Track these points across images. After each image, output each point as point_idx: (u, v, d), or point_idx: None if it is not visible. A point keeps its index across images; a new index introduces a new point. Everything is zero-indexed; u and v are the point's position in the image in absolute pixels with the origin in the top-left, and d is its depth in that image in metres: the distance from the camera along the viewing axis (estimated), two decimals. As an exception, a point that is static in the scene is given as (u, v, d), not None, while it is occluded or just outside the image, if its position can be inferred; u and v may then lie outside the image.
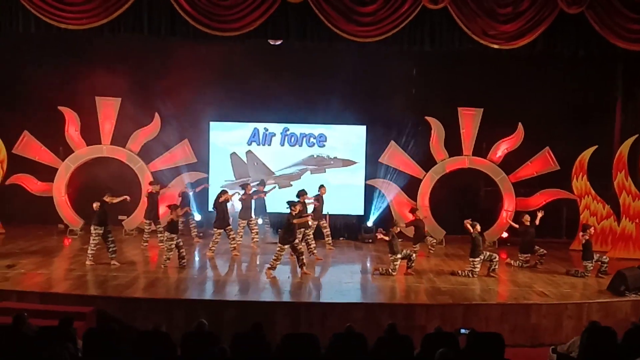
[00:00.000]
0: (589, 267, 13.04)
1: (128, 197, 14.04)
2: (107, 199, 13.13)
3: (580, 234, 13.39)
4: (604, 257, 13.29)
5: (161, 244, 14.86)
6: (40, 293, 10.91)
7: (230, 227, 14.39)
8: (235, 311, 10.50)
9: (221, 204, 14.31)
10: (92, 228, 13.05)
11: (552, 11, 12.53)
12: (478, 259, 12.77)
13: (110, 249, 13.05)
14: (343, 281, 12.45)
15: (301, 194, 14.21)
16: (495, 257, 12.96)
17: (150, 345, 7.80)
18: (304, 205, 14.15)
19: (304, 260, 12.83)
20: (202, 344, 7.76)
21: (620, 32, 12.58)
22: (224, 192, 14.57)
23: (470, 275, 12.72)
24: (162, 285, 11.74)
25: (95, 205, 13.03)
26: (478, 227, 13.07)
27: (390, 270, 12.75)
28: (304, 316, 10.59)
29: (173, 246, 12.83)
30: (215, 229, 14.27)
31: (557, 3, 12.45)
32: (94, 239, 12.99)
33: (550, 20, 12.57)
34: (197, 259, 14.23)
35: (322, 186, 15.44)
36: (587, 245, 13.12)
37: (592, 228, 13.70)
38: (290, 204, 12.85)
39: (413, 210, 15.09)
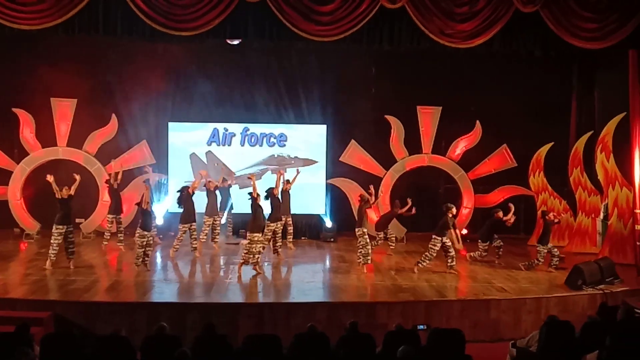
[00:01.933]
0: (542, 253, 13.25)
1: (78, 176, 13.47)
2: (64, 192, 12.79)
3: (541, 220, 13.51)
4: (556, 250, 13.47)
5: (121, 244, 14.67)
6: (-4, 299, 10.66)
7: (195, 224, 14.21)
8: (198, 314, 10.38)
9: (187, 198, 14.16)
10: (54, 227, 12.76)
11: (508, 10, 12.68)
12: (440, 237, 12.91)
13: (69, 250, 12.77)
14: (305, 280, 12.44)
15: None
16: (452, 252, 13.05)
17: (109, 350, 7.68)
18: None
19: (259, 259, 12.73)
20: (162, 347, 7.66)
21: (574, 31, 12.80)
22: (186, 187, 14.42)
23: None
24: (122, 288, 11.57)
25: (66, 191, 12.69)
26: (454, 210, 13.16)
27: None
28: (268, 317, 10.54)
29: (144, 243, 12.64)
30: (181, 225, 14.11)
31: (512, 2, 12.61)
32: (55, 239, 12.62)
33: (506, 19, 12.73)
34: (159, 260, 14.06)
35: (287, 181, 15.42)
36: (546, 229, 13.34)
37: (552, 214, 13.90)
38: (251, 194, 12.78)
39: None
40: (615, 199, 14.50)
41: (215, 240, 15.12)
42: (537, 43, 13.12)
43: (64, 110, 16.62)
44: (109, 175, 15.56)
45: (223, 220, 15.63)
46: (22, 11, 12.34)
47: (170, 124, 17.37)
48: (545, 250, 13.28)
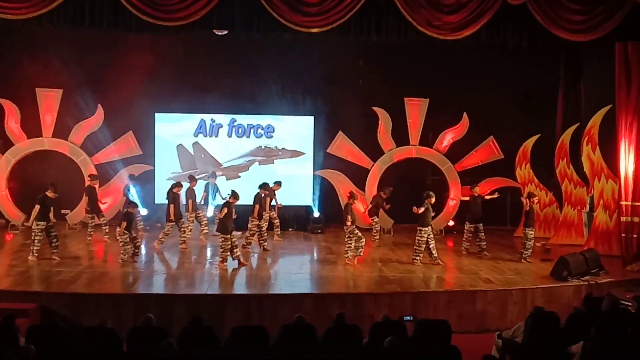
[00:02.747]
0: (529, 235, 13.34)
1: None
2: (49, 194, 12.79)
3: (524, 199, 13.61)
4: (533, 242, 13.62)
5: (106, 237, 14.62)
6: (-20, 291, 10.59)
7: (183, 220, 14.21)
8: (185, 305, 10.36)
9: (174, 195, 14.14)
10: (34, 224, 12.72)
11: (495, 2, 12.66)
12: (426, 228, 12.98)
13: (53, 244, 12.75)
14: (293, 272, 12.45)
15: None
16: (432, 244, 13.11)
17: (95, 342, 7.66)
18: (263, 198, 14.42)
19: (237, 252, 12.74)
20: (148, 339, 7.65)
21: (561, 23, 12.81)
22: (177, 184, 14.41)
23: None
24: (108, 280, 11.54)
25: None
26: (432, 199, 13.20)
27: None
28: (255, 308, 10.54)
29: (127, 240, 12.61)
30: (168, 222, 14.10)
31: (500, -6, 12.62)
32: (36, 235, 12.65)
33: (494, 11, 12.72)
34: (144, 252, 14.01)
35: (276, 183, 15.47)
36: (530, 213, 13.42)
37: (537, 197, 13.96)
38: (233, 192, 12.86)
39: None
40: (601, 191, 14.59)
41: (204, 231, 15.09)
42: (524, 35, 13.12)
43: (49, 101, 16.51)
44: (90, 177, 15.41)
45: (210, 214, 15.60)
46: (6, 0, 12.20)
47: (157, 115, 17.29)
48: (532, 233, 13.39)
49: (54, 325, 8.08)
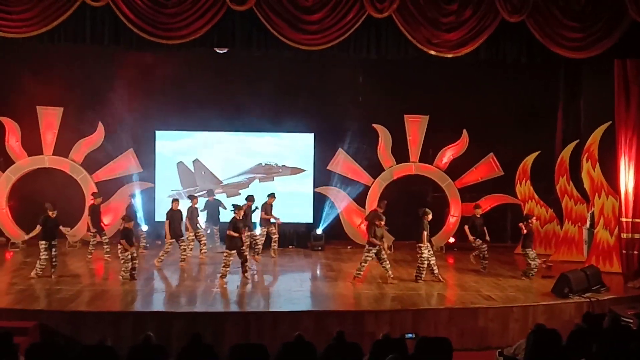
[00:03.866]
0: (531, 254, 13.38)
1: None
2: (50, 213, 12.80)
3: (521, 225, 13.62)
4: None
5: (107, 255, 14.58)
6: (-20, 308, 10.57)
7: (183, 237, 14.22)
8: (184, 323, 10.33)
9: (173, 213, 14.14)
10: (39, 243, 12.73)
11: (494, 20, 12.73)
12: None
13: (54, 263, 12.76)
14: (293, 289, 12.42)
15: (248, 199, 14.60)
16: (432, 261, 13.08)
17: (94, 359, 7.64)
18: (249, 210, 14.36)
19: (247, 267, 12.82)
20: (148, 357, 7.62)
21: (559, 40, 12.86)
22: (174, 200, 14.45)
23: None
24: (108, 298, 11.51)
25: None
26: (429, 217, 13.16)
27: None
28: (254, 326, 10.50)
29: (129, 257, 12.59)
30: (167, 239, 14.08)
31: (498, 12, 12.66)
32: (43, 253, 12.66)
33: (492, 28, 12.78)
34: (144, 270, 13.97)
35: (270, 195, 15.42)
36: (527, 235, 13.47)
37: (534, 217, 13.98)
38: (236, 207, 12.93)
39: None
40: (601, 208, 14.57)
41: (203, 250, 15.08)
42: (522, 52, 13.16)
43: (50, 119, 16.57)
44: (94, 195, 15.45)
45: (209, 230, 15.62)
46: (7, 19, 12.24)
47: (158, 132, 17.33)
48: (532, 253, 13.43)
49: (54, 344, 8.06)
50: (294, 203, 17.02)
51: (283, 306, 11.28)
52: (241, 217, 12.82)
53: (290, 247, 16.87)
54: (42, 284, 12.21)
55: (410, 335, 8.85)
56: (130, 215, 14.02)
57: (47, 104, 16.51)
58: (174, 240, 14.06)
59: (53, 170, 16.66)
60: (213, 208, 15.87)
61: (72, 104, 16.56)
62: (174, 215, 14.18)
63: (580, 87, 16.71)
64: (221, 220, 15.93)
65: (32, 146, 16.59)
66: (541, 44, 12.88)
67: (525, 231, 13.43)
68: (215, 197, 16.17)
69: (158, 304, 11.48)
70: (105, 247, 14.78)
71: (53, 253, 12.76)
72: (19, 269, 13.57)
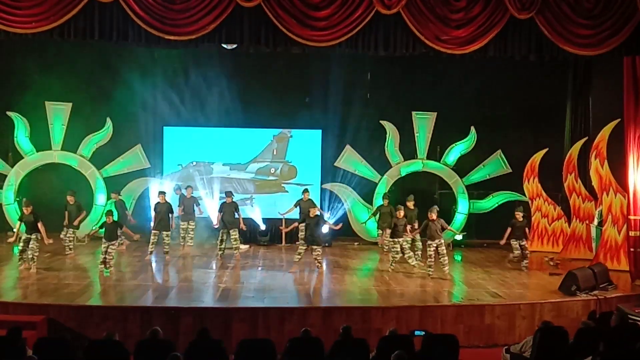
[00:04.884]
0: (514, 245, 13.83)
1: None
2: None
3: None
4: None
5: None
6: (-11, 302, 10.63)
7: (168, 232, 14.21)
8: (192, 318, 10.37)
9: (158, 205, 14.28)
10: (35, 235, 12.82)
11: (503, 16, 12.71)
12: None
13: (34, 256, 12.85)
14: (300, 285, 12.43)
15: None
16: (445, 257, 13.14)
17: (102, 354, 7.67)
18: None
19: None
20: (155, 351, 7.65)
21: (569, 37, 12.83)
22: (160, 192, 14.56)
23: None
24: (116, 293, 11.55)
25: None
26: (431, 215, 13.13)
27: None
28: (262, 321, 10.53)
29: (103, 250, 12.67)
30: (153, 231, 14.19)
31: (507, 9, 12.64)
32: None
33: (501, 25, 12.76)
34: (153, 265, 14.02)
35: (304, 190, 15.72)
36: (513, 226, 13.87)
37: (521, 215, 14.15)
38: (227, 193, 13.87)
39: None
40: (609, 205, 14.51)
41: (189, 244, 15.32)
42: (531, 49, 13.14)
43: (59, 114, 16.59)
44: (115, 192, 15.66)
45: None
46: (17, 15, 12.29)
47: (166, 128, 17.36)
48: (515, 242, 13.84)
49: (61, 338, 8.09)
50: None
51: (290, 302, 11.29)
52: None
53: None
54: (50, 278, 12.26)
55: (418, 332, 8.84)
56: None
57: (56, 99, 16.56)
58: (157, 232, 14.11)
59: (61, 165, 16.71)
60: (189, 204, 15.77)
61: (80, 99, 16.60)
62: (158, 207, 14.26)
63: (589, 84, 16.64)
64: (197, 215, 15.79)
65: (41, 141, 16.64)
66: (550, 41, 12.85)
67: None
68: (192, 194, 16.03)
69: (165, 299, 11.49)
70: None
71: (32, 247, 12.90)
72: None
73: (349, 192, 17.24)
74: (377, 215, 15.52)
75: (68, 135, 16.67)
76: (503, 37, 12.94)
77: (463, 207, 17.27)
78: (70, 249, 14.35)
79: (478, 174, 17.40)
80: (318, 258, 13.31)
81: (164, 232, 14.17)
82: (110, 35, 12.61)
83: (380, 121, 17.18)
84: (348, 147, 17.23)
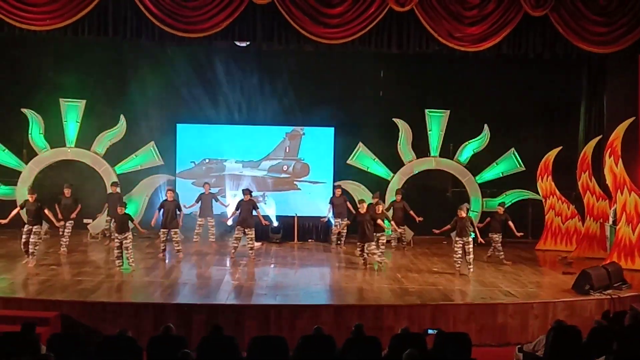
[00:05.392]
0: (495, 238, 14.17)
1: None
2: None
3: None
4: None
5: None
6: (3, 298, 10.68)
7: (176, 230, 14.12)
8: (204, 315, 10.40)
9: (165, 203, 14.19)
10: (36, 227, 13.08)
11: (517, 14, 12.67)
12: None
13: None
14: (312, 283, 12.45)
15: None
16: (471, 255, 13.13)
17: (115, 350, 7.70)
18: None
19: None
20: (168, 348, 7.68)
21: (583, 34, 12.76)
22: (168, 190, 14.59)
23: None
24: (129, 289, 11.60)
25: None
26: (461, 213, 13.13)
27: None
28: (274, 319, 10.53)
29: (118, 244, 12.73)
30: (162, 229, 14.16)
31: (521, 6, 12.60)
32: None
33: (515, 22, 12.71)
34: (167, 261, 14.07)
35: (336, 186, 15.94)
36: (492, 219, 14.33)
37: (501, 208, 14.54)
38: (245, 191, 13.88)
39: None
40: (623, 204, 14.40)
41: (211, 239, 15.47)
42: (545, 46, 13.10)
43: (73, 111, 16.69)
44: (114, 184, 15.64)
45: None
46: (31, 12, 12.40)
47: (179, 126, 17.43)
48: (496, 236, 14.22)
49: (75, 334, 8.13)
50: (314, 197, 17.07)
51: (302, 299, 11.31)
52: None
53: (309, 240, 16.89)
54: (64, 274, 12.34)
55: (431, 331, 8.82)
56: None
57: (70, 96, 16.65)
58: (165, 231, 14.07)
59: (75, 162, 16.80)
60: (207, 200, 15.79)
61: (95, 96, 16.69)
62: (166, 205, 14.14)
63: (603, 82, 16.50)
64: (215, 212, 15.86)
65: (55, 138, 16.74)
66: (564, 38, 12.80)
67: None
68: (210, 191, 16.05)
69: (178, 296, 11.53)
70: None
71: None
72: (40, 259, 13.66)
73: (361, 190, 17.20)
74: (391, 211, 15.49)
75: (82, 132, 16.76)
76: (517, 34, 12.91)
77: (475, 205, 17.20)
78: (65, 247, 14.30)
79: (491, 172, 17.37)
80: (375, 253, 13.34)
81: (172, 230, 14.10)
82: (124, 32, 12.70)
83: (393, 119, 17.14)
84: (361, 144, 17.21)
